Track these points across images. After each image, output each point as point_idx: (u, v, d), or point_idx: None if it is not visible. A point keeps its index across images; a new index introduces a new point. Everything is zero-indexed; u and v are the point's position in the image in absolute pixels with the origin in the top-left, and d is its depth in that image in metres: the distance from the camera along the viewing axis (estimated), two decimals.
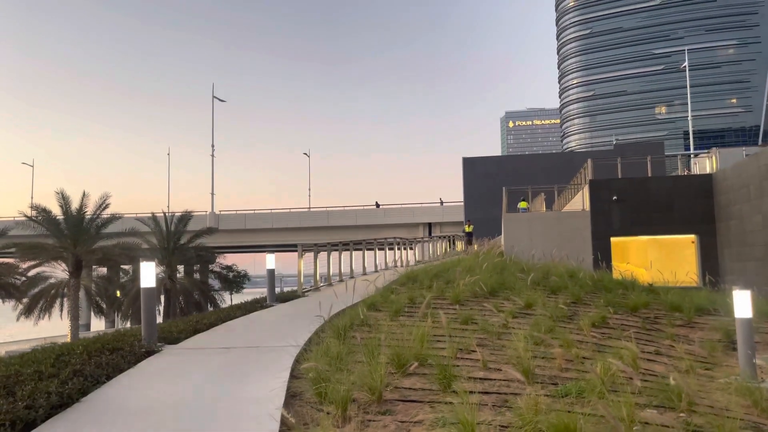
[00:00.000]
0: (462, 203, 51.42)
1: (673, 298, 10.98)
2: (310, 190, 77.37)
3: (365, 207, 55.41)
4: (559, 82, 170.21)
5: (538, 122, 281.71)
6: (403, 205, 54.86)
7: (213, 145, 62.37)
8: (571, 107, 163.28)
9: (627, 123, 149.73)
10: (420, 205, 54.41)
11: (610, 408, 3.97)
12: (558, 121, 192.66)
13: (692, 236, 21.67)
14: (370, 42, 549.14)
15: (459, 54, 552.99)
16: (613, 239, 21.77)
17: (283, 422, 4.00)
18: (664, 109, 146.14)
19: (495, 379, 5.51)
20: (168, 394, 4.90)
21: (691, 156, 37.25)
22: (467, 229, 34.22)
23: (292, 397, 4.73)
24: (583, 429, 3.80)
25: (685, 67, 70.51)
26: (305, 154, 74.68)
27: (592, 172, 23.37)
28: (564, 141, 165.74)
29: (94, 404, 4.56)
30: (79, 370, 5.13)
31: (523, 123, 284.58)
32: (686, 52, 78.67)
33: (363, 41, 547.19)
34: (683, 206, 21.37)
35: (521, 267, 14.80)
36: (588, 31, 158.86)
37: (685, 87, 72.11)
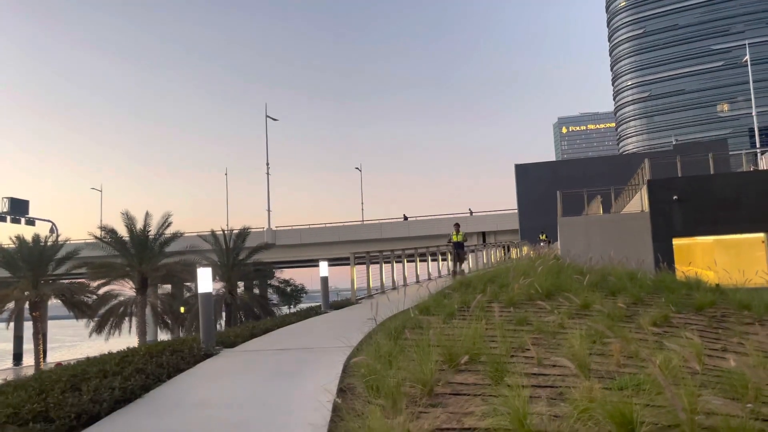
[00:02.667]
0: (516, 211, 50.71)
1: (742, 297, 10.46)
2: (362, 203, 78.05)
3: (418, 218, 55.40)
4: (612, 84, 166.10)
5: (592, 126, 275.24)
6: (456, 215, 54.56)
7: (268, 163, 63.90)
8: (627, 109, 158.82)
9: (686, 123, 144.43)
10: (473, 214, 53.95)
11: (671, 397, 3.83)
12: (613, 124, 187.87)
13: (762, 235, 20.61)
14: (420, 51, 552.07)
15: (508, 62, 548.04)
16: (675, 240, 20.96)
17: (336, 411, 4.05)
18: (726, 107, 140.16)
19: (549, 374, 5.39)
20: (224, 390, 5.04)
21: (758, 153, 35.57)
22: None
23: (343, 391, 4.78)
24: (641, 418, 3.67)
25: (746, 61, 67.50)
26: (357, 168, 75.49)
27: (650, 172, 22.64)
28: (620, 144, 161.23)
29: (154, 399, 4.74)
30: (142, 369, 5.35)
31: (577, 128, 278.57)
32: (747, 46, 75.31)
33: (412, 50, 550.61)
34: (751, 204, 20.35)
35: (578, 270, 14.44)
36: (641, 31, 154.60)
37: (748, 83, 69.05)
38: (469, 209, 55.05)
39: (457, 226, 19.74)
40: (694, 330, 7.94)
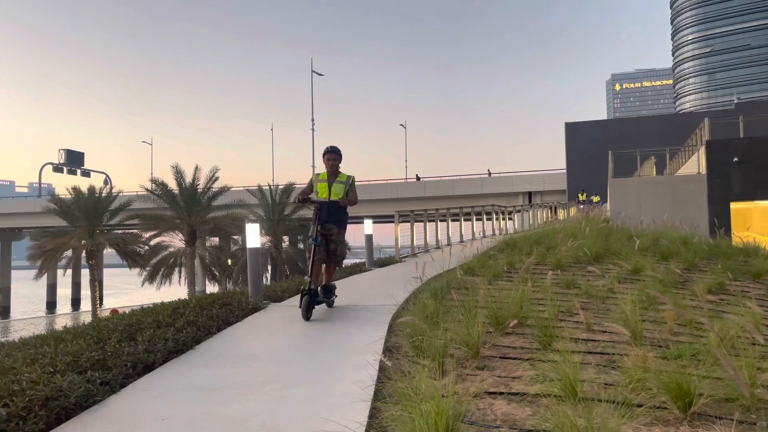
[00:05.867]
0: (564, 171, 49.56)
1: None
2: (406, 161, 77.52)
3: (462, 176, 54.75)
4: (672, 38, 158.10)
5: (648, 83, 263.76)
6: (501, 174, 53.69)
7: (313, 119, 63.90)
8: (686, 65, 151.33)
9: (750, 80, 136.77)
10: (519, 173, 52.96)
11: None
12: (670, 81, 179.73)
13: None
14: (470, 5, 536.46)
15: (560, 16, 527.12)
16: (733, 204, 20.10)
17: (382, 369, 4.06)
18: None
19: (599, 340, 5.28)
20: (272, 344, 5.13)
21: None
22: (583, 197, 34.35)
23: (389, 351, 4.79)
24: (699, 389, 3.54)
25: None
26: (402, 125, 74.78)
27: (709, 132, 21.61)
28: (677, 102, 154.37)
29: (205, 351, 4.86)
30: (193, 321, 5.49)
31: (631, 85, 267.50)
32: None
33: (462, 4, 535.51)
34: None
35: (628, 233, 14.06)
36: None
37: None
38: (488, 170, 54.27)
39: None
40: (752, 298, 7.63)
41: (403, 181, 57.30)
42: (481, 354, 4.67)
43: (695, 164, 22.76)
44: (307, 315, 6.05)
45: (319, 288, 6.65)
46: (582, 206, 33.23)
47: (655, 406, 3.46)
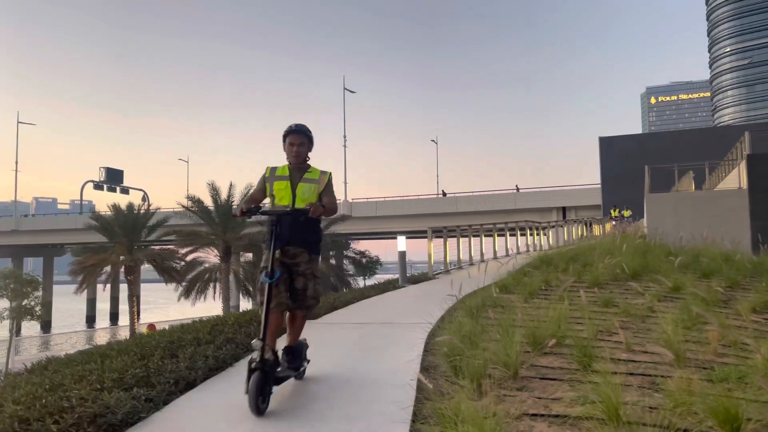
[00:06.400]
0: (599, 185, 48.88)
1: None
2: (438, 176, 77.65)
3: (495, 192, 54.42)
4: (709, 51, 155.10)
5: (684, 96, 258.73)
6: (535, 189, 53.19)
7: (345, 136, 64.52)
8: (724, 78, 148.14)
9: None
10: (553, 188, 52.40)
11: None
12: (708, 94, 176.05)
13: None
14: (500, 19, 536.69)
15: (594, 28, 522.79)
16: None
17: (420, 389, 4.06)
18: None
19: (640, 361, 5.17)
20: (310, 362, 5.17)
21: None
22: (615, 213, 33.56)
23: (426, 370, 4.79)
24: (747, 413, 3.44)
25: None
26: (433, 141, 74.92)
27: (749, 146, 21.08)
28: (716, 115, 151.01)
29: (244, 368, 4.91)
30: (231, 338, 5.58)
31: (667, 98, 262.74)
32: None
33: (492, 18, 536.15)
34: None
35: (667, 249, 13.75)
36: None
37: None
38: (516, 186, 53.84)
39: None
40: None
41: (436, 196, 57.23)
42: (520, 374, 4.62)
43: (735, 179, 22.19)
44: (258, 408, 3.60)
45: (280, 352, 4.18)
46: (615, 222, 32.68)
47: (702, 431, 3.38)
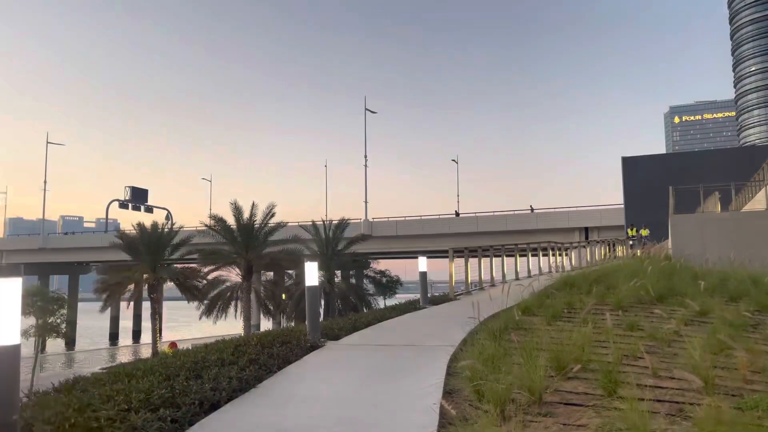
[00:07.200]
0: (622, 206, 48.32)
1: None
2: (458, 196, 77.44)
3: (516, 212, 54.09)
4: (733, 70, 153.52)
5: (709, 116, 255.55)
6: (556, 209, 52.76)
7: (366, 156, 64.89)
8: (750, 97, 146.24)
9: None
10: (576, 209, 51.91)
11: None
12: (733, 113, 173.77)
13: None
14: (520, 39, 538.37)
15: (617, 47, 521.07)
16: None
17: (443, 415, 4.04)
18: None
19: (667, 387, 5.08)
20: (332, 384, 5.18)
21: None
22: (632, 232, 32.60)
23: (449, 394, 4.76)
24: None
25: None
26: (453, 160, 74.95)
27: None
28: (741, 135, 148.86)
29: (268, 390, 4.95)
30: (255, 359, 5.61)
31: (691, 118, 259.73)
32: None
33: (513, 38, 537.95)
34: None
35: (692, 272, 13.51)
36: (767, 12, 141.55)
37: None
38: (530, 206, 53.53)
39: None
40: None
41: (455, 216, 57.07)
42: (544, 400, 4.58)
43: (763, 200, 21.81)
44: None
45: None
46: (632, 242, 31.87)
47: None
